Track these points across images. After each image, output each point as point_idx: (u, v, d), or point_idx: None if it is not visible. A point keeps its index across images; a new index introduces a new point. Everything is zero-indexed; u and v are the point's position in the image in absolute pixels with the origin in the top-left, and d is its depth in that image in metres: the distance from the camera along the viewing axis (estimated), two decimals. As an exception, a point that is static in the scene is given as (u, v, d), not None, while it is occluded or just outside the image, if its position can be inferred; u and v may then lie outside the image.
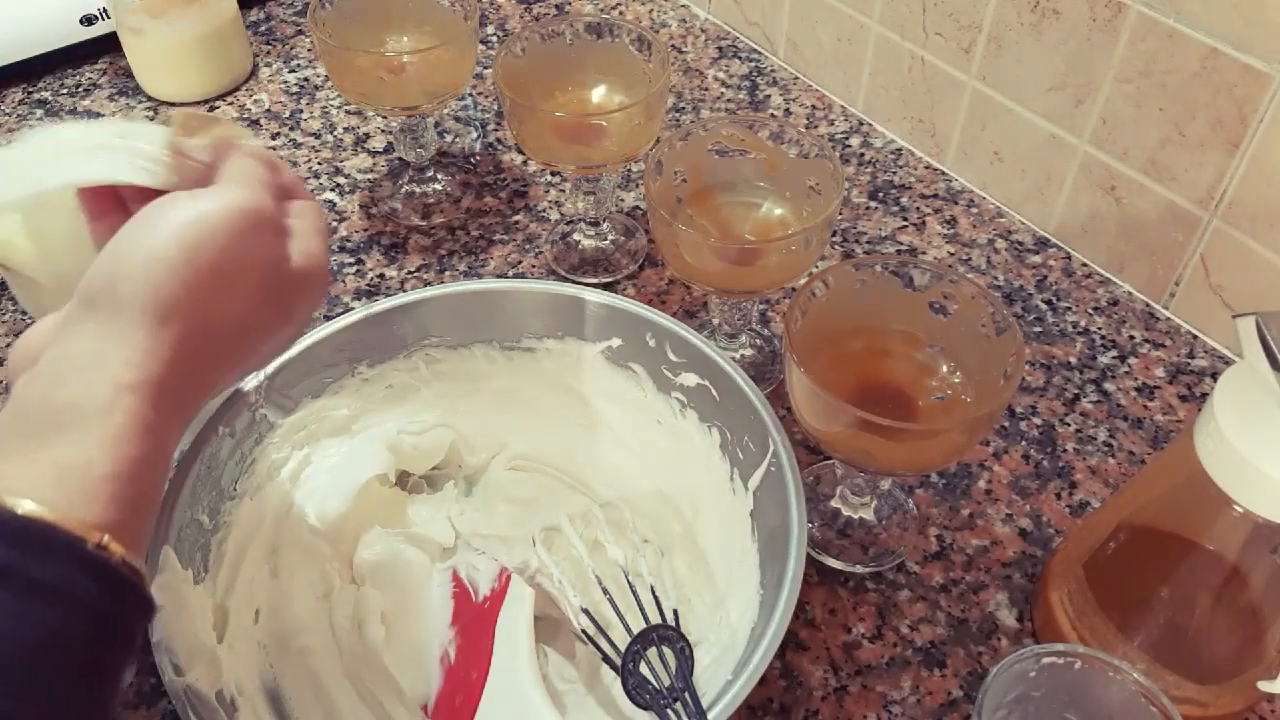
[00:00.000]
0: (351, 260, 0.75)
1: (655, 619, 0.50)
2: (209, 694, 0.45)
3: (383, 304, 0.58)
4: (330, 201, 0.80)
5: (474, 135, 0.86)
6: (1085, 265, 0.75)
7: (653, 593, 0.51)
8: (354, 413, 0.59)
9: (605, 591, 0.51)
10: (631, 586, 0.51)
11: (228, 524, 0.53)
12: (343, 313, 0.59)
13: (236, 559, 0.52)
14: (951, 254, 0.76)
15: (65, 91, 0.89)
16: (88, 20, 0.89)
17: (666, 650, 0.48)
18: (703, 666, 0.49)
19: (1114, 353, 0.69)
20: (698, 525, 0.56)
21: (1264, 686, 0.47)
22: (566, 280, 0.74)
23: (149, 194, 0.40)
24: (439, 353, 0.60)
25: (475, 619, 0.51)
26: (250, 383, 0.54)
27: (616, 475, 0.59)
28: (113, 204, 0.42)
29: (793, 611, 0.45)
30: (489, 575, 0.53)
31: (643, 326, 0.57)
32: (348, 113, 0.88)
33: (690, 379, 0.57)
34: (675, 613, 0.50)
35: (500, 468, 0.60)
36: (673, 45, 0.95)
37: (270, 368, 0.55)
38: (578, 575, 0.53)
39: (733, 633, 0.49)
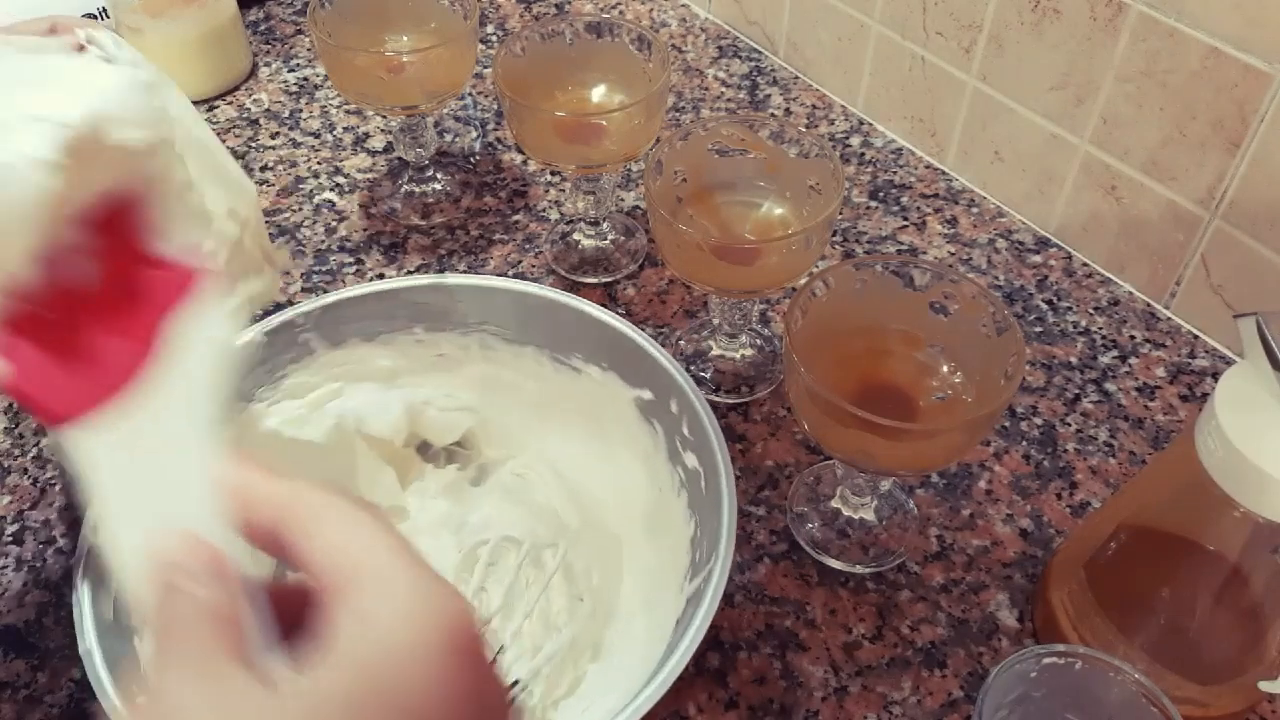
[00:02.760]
0: (351, 260, 0.75)
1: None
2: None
3: (455, 279, 0.59)
4: (330, 201, 0.80)
5: (474, 135, 0.86)
6: (1086, 265, 0.74)
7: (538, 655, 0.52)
8: (396, 367, 0.60)
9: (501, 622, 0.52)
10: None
11: (227, 422, 0.53)
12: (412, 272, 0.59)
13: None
14: (952, 254, 0.76)
15: (64, 91, 0.89)
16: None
17: None
18: None
19: (1115, 353, 0.69)
20: (648, 604, 0.54)
21: (1265, 687, 0.47)
22: (566, 280, 0.74)
23: None
24: (496, 341, 0.60)
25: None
26: (303, 308, 0.56)
27: (603, 520, 0.58)
28: None
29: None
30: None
31: (672, 389, 0.55)
32: (347, 112, 0.88)
33: (692, 460, 0.54)
34: (519, 683, 0.51)
35: (512, 469, 0.60)
36: (673, 45, 0.95)
37: (328, 299, 0.56)
38: (505, 597, 0.54)
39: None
